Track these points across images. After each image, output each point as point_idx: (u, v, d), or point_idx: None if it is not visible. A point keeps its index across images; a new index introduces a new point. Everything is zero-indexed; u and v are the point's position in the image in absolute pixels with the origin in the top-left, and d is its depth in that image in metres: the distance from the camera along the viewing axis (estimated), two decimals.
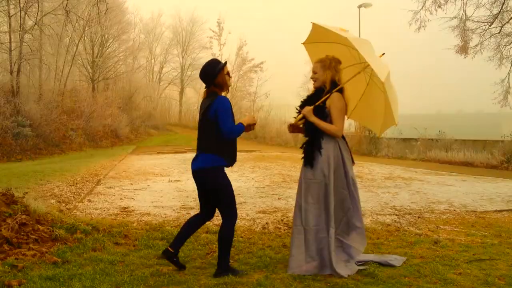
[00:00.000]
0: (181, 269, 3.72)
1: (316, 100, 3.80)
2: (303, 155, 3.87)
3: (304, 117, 3.82)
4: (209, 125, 3.58)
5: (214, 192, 3.63)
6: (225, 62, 3.71)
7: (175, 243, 3.75)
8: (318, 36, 4.03)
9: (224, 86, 3.67)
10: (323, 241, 3.68)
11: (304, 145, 3.89)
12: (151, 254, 4.21)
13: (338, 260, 3.66)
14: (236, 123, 3.61)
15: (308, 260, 3.68)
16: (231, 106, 3.58)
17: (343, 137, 3.90)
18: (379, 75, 3.48)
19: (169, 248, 3.70)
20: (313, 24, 3.90)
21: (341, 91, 3.78)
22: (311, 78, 3.93)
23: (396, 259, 3.96)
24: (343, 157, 3.78)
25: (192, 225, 3.82)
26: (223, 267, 3.58)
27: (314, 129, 3.79)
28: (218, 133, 3.53)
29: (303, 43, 4.23)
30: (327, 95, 3.74)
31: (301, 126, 3.93)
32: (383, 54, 3.95)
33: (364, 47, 3.67)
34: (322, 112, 3.75)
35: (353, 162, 3.97)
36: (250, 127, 3.70)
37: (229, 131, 3.49)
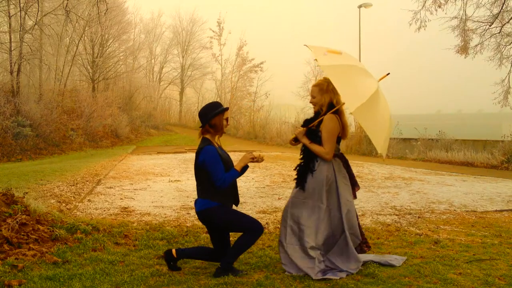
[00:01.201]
0: (175, 271, 3.72)
1: (312, 121, 3.83)
2: (295, 177, 3.89)
3: (296, 138, 3.85)
4: (198, 172, 3.64)
5: (220, 228, 3.69)
6: (226, 108, 3.74)
7: (182, 253, 3.75)
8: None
9: (219, 129, 3.67)
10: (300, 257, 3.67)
11: (298, 167, 3.91)
12: (151, 254, 4.21)
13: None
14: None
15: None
16: (218, 154, 3.56)
17: (343, 158, 3.89)
18: (347, 104, 3.42)
19: (174, 253, 3.72)
20: (307, 46, 3.85)
21: (337, 112, 3.75)
22: (310, 102, 3.94)
23: (396, 259, 3.97)
24: (336, 179, 3.75)
25: (205, 253, 3.80)
26: (225, 267, 3.59)
27: (308, 151, 3.81)
28: (207, 180, 3.57)
29: (318, 65, 4.23)
30: (321, 117, 3.75)
31: (294, 144, 3.96)
32: (388, 74, 3.85)
33: (341, 75, 3.61)
34: (315, 135, 3.76)
35: (357, 186, 3.94)
36: (256, 159, 3.68)
37: (221, 183, 3.51)
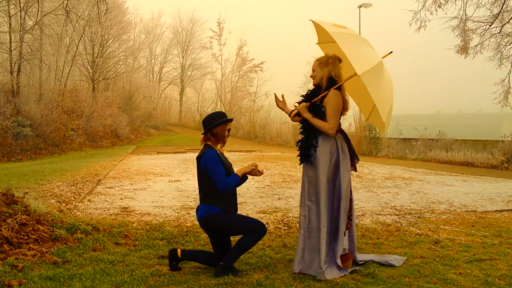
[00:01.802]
0: (175, 271, 3.73)
1: (314, 97, 3.79)
2: (298, 153, 3.87)
3: (298, 113, 3.82)
4: (201, 177, 3.68)
5: (223, 233, 3.71)
6: (231, 119, 3.79)
7: (187, 255, 3.77)
8: (323, 35, 4.02)
9: (220, 138, 3.71)
10: (317, 241, 3.66)
11: (299, 142, 3.89)
12: (151, 254, 4.21)
13: (328, 262, 3.63)
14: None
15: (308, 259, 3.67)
16: (219, 158, 3.61)
17: (345, 136, 3.88)
18: (355, 66, 3.38)
19: (178, 253, 3.73)
20: (312, 22, 3.90)
21: (339, 88, 3.75)
22: (310, 76, 3.94)
23: (396, 259, 3.96)
24: (338, 157, 3.74)
25: (208, 258, 3.79)
26: (226, 265, 3.60)
27: (309, 126, 3.78)
28: (210, 185, 3.61)
29: (317, 43, 4.25)
30: (325, 92, 3.73)
31: (297, 121, 3.92)
32: (390, 52, 3.89)
33: (349, 41, 3.63)
34: (318, 110, 3.75)
35: (357, 158, 3.94)
36: (255, 172, 3.69)
37: (223, 187, 3.55)
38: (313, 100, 3.78)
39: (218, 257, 3.71)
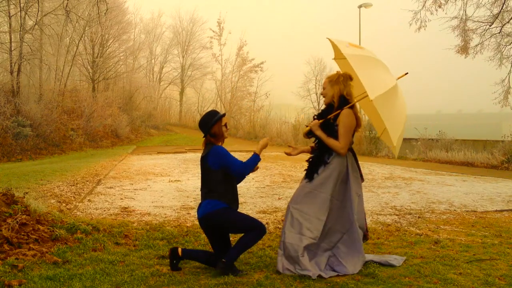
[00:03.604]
0: (176, 270, 3.73)
1: (327, 115, 3.83)
2: (306, 168, 3.90)
3: (311, 131, 3.86)
4: (207, 173, 3.70)
5: (226, 228, 3.72)
6: (223, 114, 3.81)
7: (187, 254, 3.78)
8: (339, 52, 4.01)
9: (220, 136, 3.76)
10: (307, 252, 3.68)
11: (311, 159, 3.92)
12: (152, 254, 4.21)
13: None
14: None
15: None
16: (227, 151, 3.67)
17: (354, 155, 3.90)
18: (368, 91, 3.39)
19: (179, 251, 3.74)
20: (329, 40, 3.91)
21: (352, 107, 3.78)
22: (321, 94, 4.00)
23: (396, 259, 3.97)
24: (348, 174, 3.78)
25: (208, 258, 3.80)
26: (228, 262, 3.60)
27: (322, 144, 3.83)
28: (217, 180, 3.64)
29: (334, 59, 4.27)
30: (337, 111, 3.75)
31: (307, 137, 3.98)
32: (406, 73, 3.89)
33: (362, 63, 3.63)
34: (331, 128, 3.78)
35: (362, 179, 3.97)
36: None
37: (241, 170, 3.62)
38: (328, 117, 3.81)
39: (219, 258, 3.71)
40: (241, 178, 3.76)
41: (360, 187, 3.87)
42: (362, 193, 3.91)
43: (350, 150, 3.88)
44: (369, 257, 4.01)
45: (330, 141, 3.75)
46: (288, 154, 4.03)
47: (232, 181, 3.75)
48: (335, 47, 4.01)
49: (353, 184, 3.78)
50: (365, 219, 3.92)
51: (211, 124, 3.71)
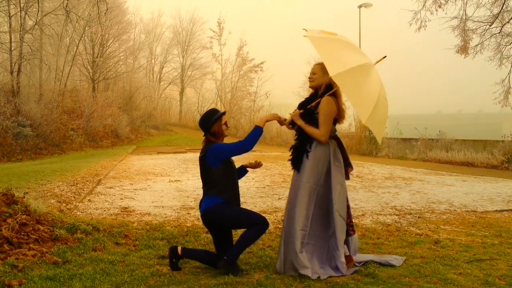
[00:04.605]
0: (176, 270, 3.73)
1: (309, 104, 3.80)
2: (290, 157, 3.88)
3: (293, 121, 3.84)
4: (207, 172, 3.70)
5: (226, 224, 3.70)
6: (223, 112, 3.79)
7: (187, 253, 3.78)
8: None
9: (220, 135, 3.75)
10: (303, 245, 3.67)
11: (292, 148, 3.90)
12: (152, 254, 4.21)
13: (311, 264, 3.62)
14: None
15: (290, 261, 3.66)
16: (222, 144, 3.68)
17: (338, 141, 3.86)
18: (328, 68, 3.39)
19: (179, 251, 3.74)
20: (305, 29, 3.78)
21: (334, 94, 3.73)
22: (309, 77, 3.90)
23: (396, 259, 3.96)
24: (330, 163, 3.74)
25: (209, 258, 3.79)
26: (230, 260, 3.61)
27: (304, 132, 3.80)
28: (217, 177, 3.64)
29: (304, 36, 4.17)
30: (318, 100, 3.72)
31: (291, 128, 3.95)
32: (384, 57, 3.83)
33: (328, 45, 3.61)
34: (311, 117, 3.75)
35: (350, 167, 3.91)
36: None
37: (243, 146, 3.60)
38: (308, 106, 3.78)
39: (220, 257, 3.71)
40: (245, 151, 3.66)
41: (343, 177, 3.80)
42: (345, 182, 3.82)
43: (335, 138, 3.84)
44: (369, 257, 4.00)
45: (310, 129, 3.72)
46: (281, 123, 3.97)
47: (233, 178, 3.75)
48: (308, 32, 3.84)
49: (335, 173, 3.73)
50: (349, 210, 3.83)
51: (211, 123, 3.71)
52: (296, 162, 3.78)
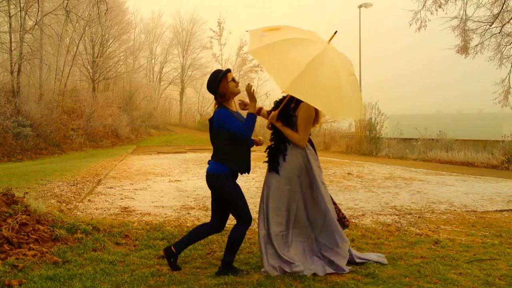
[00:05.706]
0: (176, 270, 3.72)
1: (288, 104, 3.78)
2: (266, 159, 3.86)
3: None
4: (213, 135, 3.67)
5: (222, 198, 3.68)
6: (227, 70, 3.71)
7: (180, 245, 3.77)
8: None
9: (227, 94, 3.65)
10: (286, 245, 3.69)
11: (268, 149, 3.89)
12: (152, 254, 4.21)
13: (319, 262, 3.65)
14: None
15: (274, 262, 3.66)
16: (229, 112, 3.59)
17: (311, 143, 3.86)
18: (278, 84, 3.27)
19: (172, 248, 3.73)
20: (249, 32, 3.73)
21: None
22: None
23: (380, 257, 3.98)
24: (310, 163, 3.74)
25: (200, 232, 3.81)
26: (226, 266, 3.62)
27: (279, 133, 3.80)
28: (222, 142, 3.59)
29: (245, 52, 4.04)
30: (288, 100, 3.71)
31: (270, 129, 3.94)
32: (335, 32, 3.72)
33: (269, 53, 3.49)
34: (289, 118, 3.75)
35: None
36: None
37: (240, 131, 3.51)
38: (280, 108, 3.74)
39: (216, 226, 3.72)
40: (242, 138, 3.59)
41: (322, 174, 3.83)
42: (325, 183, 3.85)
43: (309, 141, 3.84)
44: (354, 253, 3.96)
45: (289, 132, 3.72)
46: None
47: (240, 146, 3.63)
48: (251, 39, 3.69)
49: (318, 173, 3.75)
50: (336, 205, 3.84)
51: (216, 83, 3.62)
52: (273, 164, 3.77)
